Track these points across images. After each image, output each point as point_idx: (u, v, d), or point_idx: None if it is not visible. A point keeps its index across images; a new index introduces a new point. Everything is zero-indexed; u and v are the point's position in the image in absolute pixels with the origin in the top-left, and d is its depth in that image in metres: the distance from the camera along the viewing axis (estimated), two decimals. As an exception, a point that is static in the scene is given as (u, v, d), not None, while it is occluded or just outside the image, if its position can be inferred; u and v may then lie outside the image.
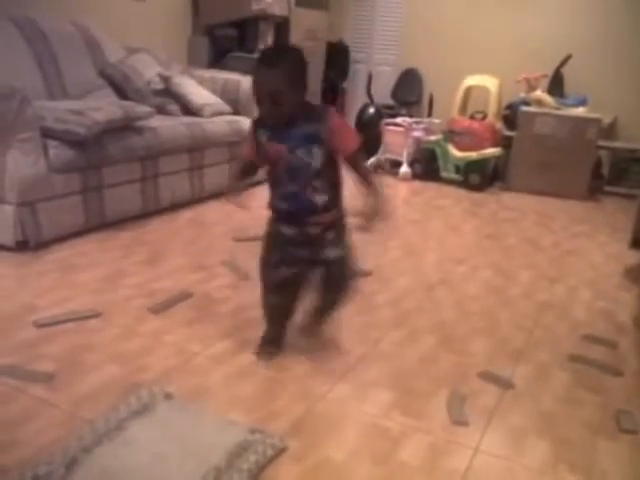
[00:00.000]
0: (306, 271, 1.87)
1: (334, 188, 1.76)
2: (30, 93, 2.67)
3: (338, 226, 1.81)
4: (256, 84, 1.62)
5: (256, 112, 1.72)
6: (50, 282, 2.39)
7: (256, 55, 1.71)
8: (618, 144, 5.22)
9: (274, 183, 1.78)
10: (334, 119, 1.68)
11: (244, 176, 1.87)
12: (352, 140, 1.70)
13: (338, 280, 1.86)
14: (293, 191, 1.73)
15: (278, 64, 1.60)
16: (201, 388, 1.76)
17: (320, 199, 1.73)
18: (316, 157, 1.67)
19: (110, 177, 3.01)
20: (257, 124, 1.74)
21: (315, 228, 1.77)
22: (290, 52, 1.68)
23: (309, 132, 1.66)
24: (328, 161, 1.70)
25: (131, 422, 1.53)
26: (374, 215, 1.68)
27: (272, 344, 1.98)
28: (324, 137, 1.66)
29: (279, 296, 1.90)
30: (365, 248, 3.09)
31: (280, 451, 1.49)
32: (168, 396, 1.66)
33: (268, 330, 1.98)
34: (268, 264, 1.86)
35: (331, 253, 1.80)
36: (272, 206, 1.83)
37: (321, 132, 1.66)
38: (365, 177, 1.72)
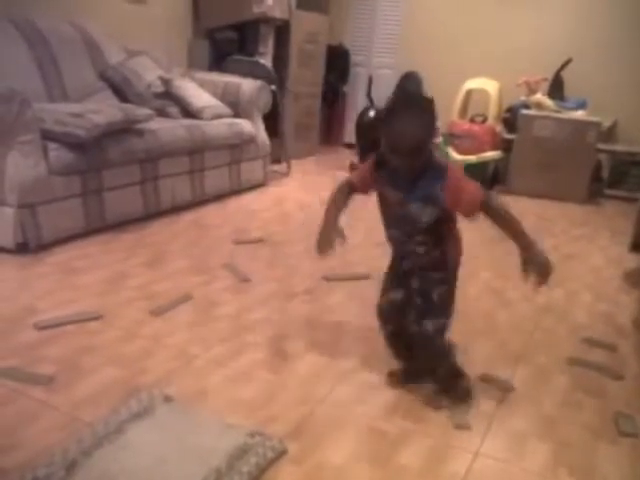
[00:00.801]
0: (408, 297, 1.79)
1: (440, 244, 1.71)
2: (30, 95, 2.68)
3: (435, 275, 1.73)
4: (397, 135, 1.53)
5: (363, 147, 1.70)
6: (51, 284, 2.40)
7: (386, 105, 1.60)
8: (618, 147, 5.22)
9: (385, 221, 1.75)
10: (452, 179, 1.59)
11: (342, 206, 1.76)
12: (471, 197, 1.59)
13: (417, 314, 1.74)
14: (397, 236, 1.73)
15: (424, 118, 1.56)
16: (201, 391, 1.76)
17: (421, 249, 1.70)
18: (428, 215, 1.63)
19: (110, 180, 3.01)
20: (379, 162, 1.66)
21: (410, 264, 1.75)
22: (428, 103, 1.61)
23: (428, 191, 1.59)
24: (439, 220, 1.65)
25: (131, 425, 1.53)
26: (542, 273, 1.61)
27: (406, 378, 1.88)
28: (440, 197, 1.59)
29: (387, 323, 1.84)
30: (365, 251, 3.11)
31: (280, 454, 1.49)
32: (168, 399, 1.66)
33: (401, 366, 1.90)
34: (383, 290, 1.83)
35: (415, 284, 1.74)
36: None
37: (438, 192, 1.58)
38: (508, 227, 1.65)
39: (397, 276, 1.80)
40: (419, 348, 1.78)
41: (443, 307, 1.73)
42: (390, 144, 1.55)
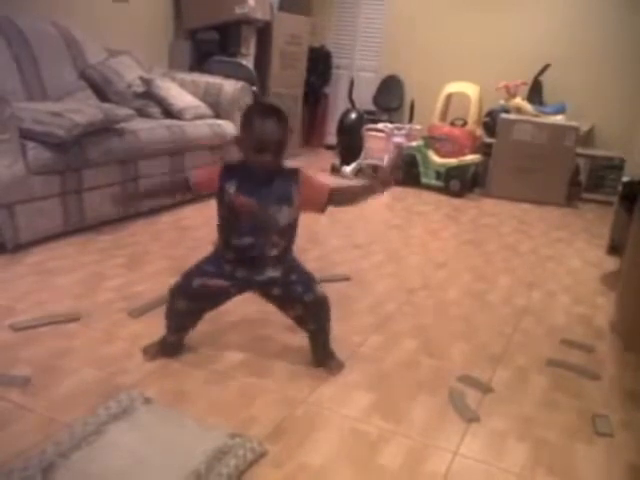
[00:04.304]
0: (233, 290, 1.87)
1: (289, 242, 1.84)
2: (8, 94, 2.65)
3: (284, 263, 1.84)
4: (263, 133, 1.67)
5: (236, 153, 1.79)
6: (28, 285, 2.37)
7: (250, 106, 1.91)
8: (596, 152, 5.29)
9: (229, 231, 1.79)
10: (305, 179, 1.79)
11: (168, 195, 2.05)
12: (320, 195, 1.79)
13: (288, 298, 1.86)
14: (249, 243, 1.76)
15: (283, 118, 1.71)
16: (181, 392, 1.75)
17: (273, 252, 1.79)
18: (284, 216, 1.75)
19: (90, 180, 2.98)
20: (227, 172, 1.75)
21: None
22: (283, 111, 1.76)
23: (283, 191, 1.74)
24: (292, 220, 1.79)
25: (110, 426, 1.52)
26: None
27: (172, 349, 1.95)
28: (295, 197, 1.75)
29: (193, 303, 1.86)
30: (345, 253, 3.11)
31: (260, 456, 1.49)
32: (147, 400, 1.65)
33: (168, 335, 1.93)
34: (201, 271, 1.83)
35: (269, 274, 1.81)
36: (222, 249, 1.83)
37: (294, 192, 1.75)
38: (355, 203, 1.90)
39: (223, 265, 1.82)
40: (318, 310, 1.90)
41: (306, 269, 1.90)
42: (258, 142, 1.67)
